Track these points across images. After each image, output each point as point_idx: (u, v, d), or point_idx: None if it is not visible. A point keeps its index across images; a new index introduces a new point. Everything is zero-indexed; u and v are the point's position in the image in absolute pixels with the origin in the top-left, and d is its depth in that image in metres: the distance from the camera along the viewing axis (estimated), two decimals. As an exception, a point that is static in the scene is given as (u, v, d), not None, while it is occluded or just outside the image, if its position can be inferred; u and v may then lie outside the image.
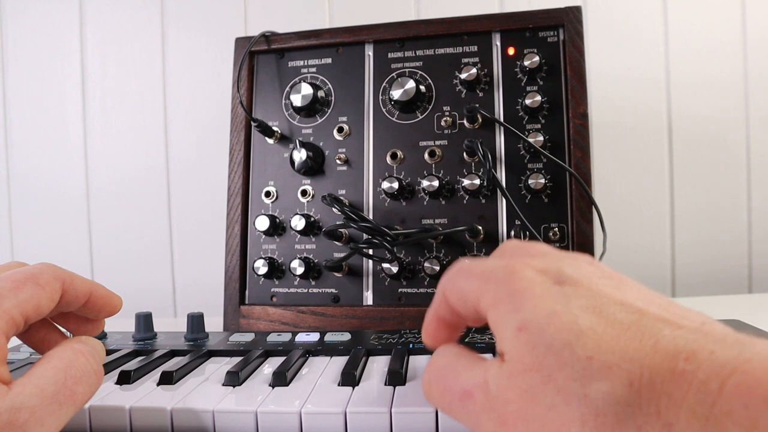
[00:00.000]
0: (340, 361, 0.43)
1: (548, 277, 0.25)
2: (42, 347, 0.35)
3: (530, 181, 0.56)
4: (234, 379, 0.39)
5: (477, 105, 0.60)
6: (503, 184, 0.58)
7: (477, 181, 0.57)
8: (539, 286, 0.25)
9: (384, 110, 0.62)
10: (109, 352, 0.47)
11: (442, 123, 0.60)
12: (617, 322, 0.22)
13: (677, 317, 0.23)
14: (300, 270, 0.59)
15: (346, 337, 0.49)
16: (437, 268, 0.57)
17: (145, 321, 0.52)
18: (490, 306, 0.26)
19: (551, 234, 0.56)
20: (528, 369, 0.23)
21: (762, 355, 0.19)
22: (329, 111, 0.63)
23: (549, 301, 0.24)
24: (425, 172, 0.60)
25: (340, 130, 0.62)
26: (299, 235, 0.62)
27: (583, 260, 0.27)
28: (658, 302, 0.24)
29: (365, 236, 0.57)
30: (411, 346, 0.45)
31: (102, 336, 0.52)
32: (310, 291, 0.61)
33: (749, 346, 0.20)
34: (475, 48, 0.61)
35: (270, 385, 0.38)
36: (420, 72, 0.62)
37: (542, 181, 0.56)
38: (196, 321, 0.51)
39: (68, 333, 0.36)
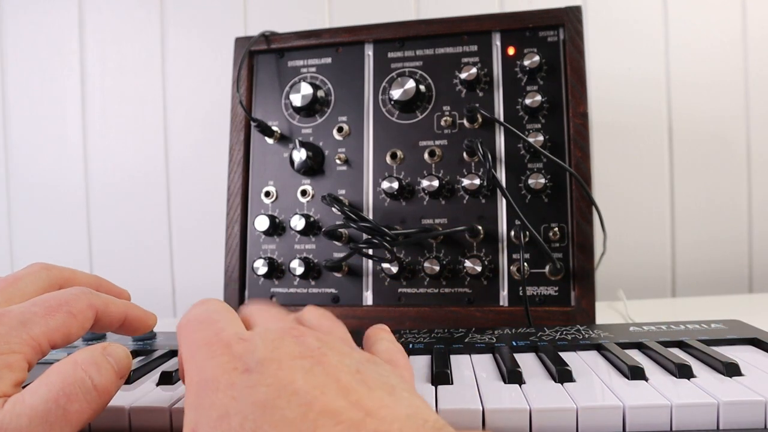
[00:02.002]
0: (339, 362, 0.43)
1: (240, 363, 0.24)
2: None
3: (530, 181, 0.56)
4: (233, 379, 0.38)
5: (477, 105, 0.59)
6: (503, 184, 0.58)
7: (477, 181, 0.57)
8: (227, 376, 0.23)
9: (384, 110, 0.62)
10: (108, 352, 0.47)
11: (442, 123, 0.60)
12: (282, 420, 0.21)
13: (348, 405, 0.21)
14: (300, 270, 0.59)
15: (346, 337, 0.48)
16: (437, 268, 0.57)
17: (144, 321, 0.51)
18: (186, 387, 0.25)
19: (551, 234, 0.56)
20: None
21: None
22: (329, 111, 0.63)
23: (227, 398, 0.22)
24: (425, 172, 0.60)
25: (340, 129, 0.62)
26: (299, 235, 0.62)
27: (294, 332, 0.26)
28: (347, 383, 0.23)
29: (365, 236, 0.57)
30: (410, 346, 0.45)
31: (103, 335, 0.52)
32: (309, 291, 0.61)
33: None
34: (475, 48, 0.61)
35: (269, 386, 0.38)
36: (420, 72, 0.62)
37: (542, 181, 0.56)
38: (195, 321, 0.50)
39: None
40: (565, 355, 0.40)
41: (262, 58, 0.66)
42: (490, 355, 0.43)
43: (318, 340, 0.26)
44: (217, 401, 0.22)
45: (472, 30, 0.61)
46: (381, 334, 0.33)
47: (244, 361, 0.24)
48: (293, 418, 0.21)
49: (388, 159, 0.61)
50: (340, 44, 0.64)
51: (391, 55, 0.63)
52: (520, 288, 0.55)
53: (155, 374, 0.41)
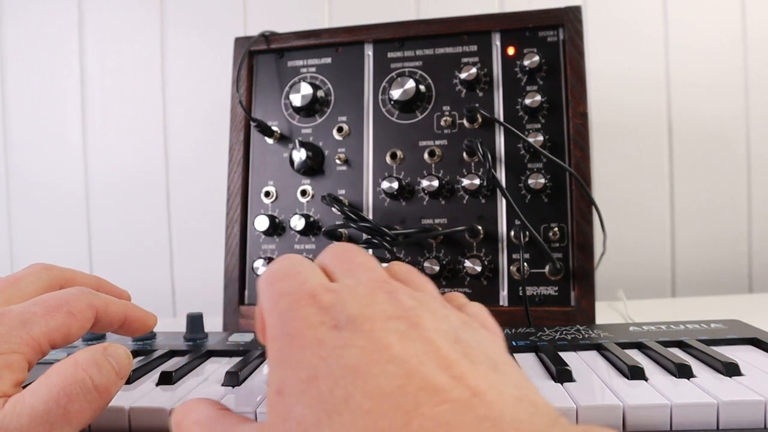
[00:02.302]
0: (339, 361, 0.43)
1: (329, 318, 0.21)
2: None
3: (530, 181, 0.56)
4: (233, 379, 0.38)
5: (477, 105, 0.59)
6: (503, 184, 0.58)
7: (477, 181, 0.57)
8: (313, 331, 0.21)
9: (384, 110, 0.62)
10: (108, 352, 0.47)
11: (442, 123, 0.60)
12: (377, 391, 0.18)
13: (453, 382, 0.19)
14: (299, 270, 0.59)
15: (346, 337, 0.48)
16: (437, 268, 0.57)
17: (144, 321, 0.51)
18: (267, 341, 0.23)
19: (551, 234, 0.56)
20: None
21: None
22: (329, 111, 0.63)
23: (315, 357, 0.20)
24: (425, 172, 0.60)
25: (340, 129, 0.62)
26: (299, 235, 0.62)
27: (386, 287, 0.24)
28: (447, 353, 0.20)
29: (365, 236, 0.57)
30: (411, 346, 0.45)
31: (103, 335, 0.52)
32: (309, 291, 0.61)
33: None
34: (474, 48, 0.61)
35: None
36: (420, 72, 0.62)
37: (542, 181, 0.56)
38: (195, 321, 0.51)
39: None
40: (565, 355, 0.40)
41: (261, 58, 0.66)
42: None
43: (412, 298, 0.23)
44: (304, 360, 0.20)
45: (472, 30, 0.61)
46: (461, 297, 0.30)
47: (333, 316, 0.21)
48: (390, 391, 0.18)
49: (388, 159, 0.61)
50: (339, 44, 0.64)
51: (390, 55, 0.63)
52: (520, 288, 0.55)
53: (155, 374, 0.41)
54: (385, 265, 0.28)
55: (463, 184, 0.58)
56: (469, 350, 0.21)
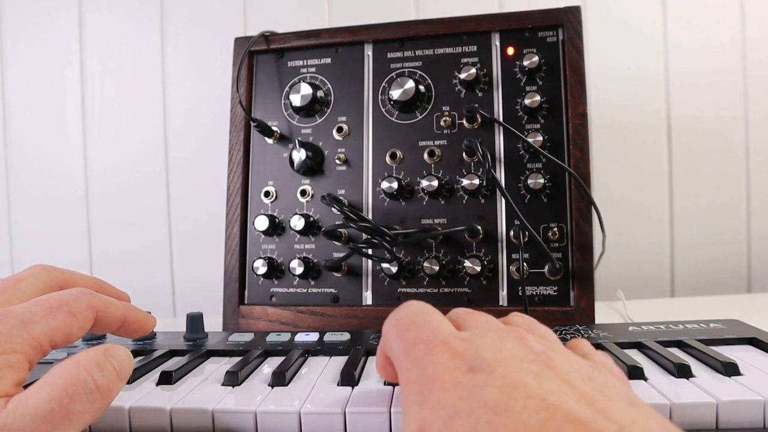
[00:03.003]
0: (339, 361, 0.43)
1: (463, 362, 0.23)
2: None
3: (529, 181, 0.56)
4: (233, 378, 0.39)
5: (476, 105, 0.60)
6: (502, 184, 0.58)
7: (476, 181, 0.57)
8: (450, 374, 0.22)
9: (383, 110, 0.62)
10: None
11: (442, 123, 0.60)
12: (521, 425, 0.19)
13: (597, 415, 0.19)
14: (299, 270, 0.59)
15: (346, 337, 0.49)
16: (436, 267, 0.57)
17: (144, 321, 0.51)
18: (403, 384, 0.24)
19: (550, 234, 0.56)
20: None
21: None
22: (328, 111, 0.63)
23: (454, 397, 0.21)
24: (424, 172, 0.60)
25: (340, 130, 0.62)
26: (298, 235, 0.62)
27: (512, 335, 0.25)
28: (583, 390, 0.21)
29: (364, 236, 0.57)
30: (410, 346, 0.45)
31: (103, 336, 0.52)
32: (309, 291, 0.61)
33: None
34: (474, 48, 0.61)
35: (269, 385, 0.38)
36: (419, 72, 0.62)
37: (541, 181, 0.56)
38: (195, 321, 0.51)
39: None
40: (565, 355, 0.40)
41: (261, 58, 0.66)
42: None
43: (540, 343, 0.25)
44: (444, 400, 0.21)
45: (472, 30, 0.61)
46: (587, 345, 0.31)
47: (467, 360, 0.23)
48: (533, 425, 0.19)
49: (387, 159, 0.61)
50: (339, 44, 0.64)
51: (390, 55, 0.63)
52: (520, 288, 0.55)
53: (155, 374, 0.41)
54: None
55: (462, 184, 0.58)
56: (604, 388, 0.22)
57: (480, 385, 0.21)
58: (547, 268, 0.56)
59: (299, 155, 0.60)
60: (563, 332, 0.46)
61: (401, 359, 0.25)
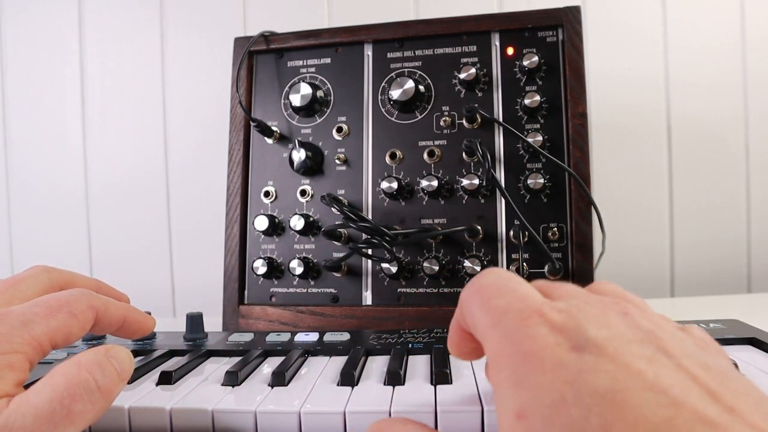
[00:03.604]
0: (339, 361, 0.43)
1: (565, 339, 0.20)
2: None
3: (529, 181, 0.56)
4: (233, 378, 0.39)
5: (476, 105, 0.60)
6: (502, 184, 0.58)
7: (476, 181, 0.57)
8: (550, 351, 0.20)
9: (383, 110, 0.62)
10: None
11: (441, 123, 0.60)
12: (641, 421, 0.17)
13: (727, 416, 0.17)
14: (299, 270, 0.59)
15: (345, 337, 0.49)
16: (436, 267, 0.57)
17: (144, 321, 0.51)
18: (492, 360, 0.22)
19: (550, 234, 0.56)
20: None
21: None
22: (328, 111, 0.63)
23: (558, 381, 0.19)
24: (424, 172, 0.60)
25: (339, 130, 0.62)
26: (298, 235, 0.62)
27: (615, 309, 0.22)
28: (705, 381, 0.19)
29: (364, 236, 0.57)
30: (410, 346, 0.45)
31: (103, 336, 0.52)
32: (309, 291, 0.61)
33: None
34: (474, 48, 0.61)
35: (269, 385, 0.38)
36: (419, 72, 0.62)
37: (541, 181, 0.56)
38: (195, 321, 0.51)
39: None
40: (564, 355, 0.40)
41: (261, 58, 0.66)
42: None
43: (646, 319, 0.22)
44: (545, 383, 0.19)
45: (471, 30, 0.61)
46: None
47: (569, 336, 0.20)
48: (657, 423, 0.17)
49: (387, 159, 0.61)
50: (339, 44, 0.64)
51: (390, 55, 0.63)
52: (520, 288, 0.55)
53: (155, 374, 0.41)
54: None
55: (462, 184, 0.58)
56: (723, 379, 0.20)
57: (588, 368, 0.19)
58: (547, 268, 0.56)
59: (299, 155, 0.60)
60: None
61: (487, 330, 0.23)
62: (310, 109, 0.63)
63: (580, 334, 0.20)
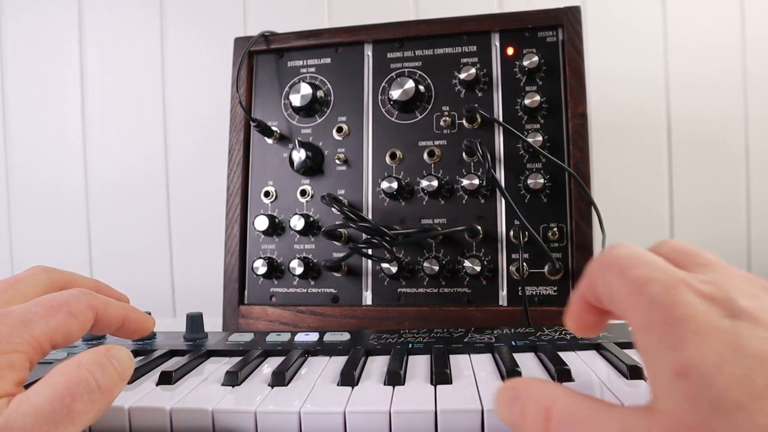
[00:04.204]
0: (339, 361, 0.43)
1: (716, 306, 0.21)
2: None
3: (529, 181, 0.56)
4: (233, 378, 0.39)
5: (476, 105, 0.60)
6: (502, 184, 0.58)
7: (476, 181, 0.57)
8: (704, 317, 0.21)
9: (383, 110, 0.62)
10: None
11: (442, 123, 0.60)
12: None
13: None
14: (299, 270, 0.59)
15: (346, 337, 0.49)
16: (436, 268, 0.57)
17: (144, 321, 0.51)
18: (640, 327, 0.22)
19: (550, 234, 0.56)
20: (688, 429, 0.19)
21: None
22: (328, 111, 0.63)
23: (717, 343, 0.20)
24: (424, 172, 0.60)
25: (340, 130, 0.62)
26: (298, 235, 0.62)
27: (757, 283, 0.23)
28: None
29: (364, 236, 0.57)
30: (410, 345, 0.45)
31: (103, 336, 0.52)
32: (309, 291, 0.61)
33: None
34: (474, 48, 0.61)
35: (269, 385, 0.38)
36: (419, 72, 0.62)
37: (541, 181, 0.56)
38: (195, 321, 0.51)
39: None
40: (564, 355, 0.40)
41: (261, 58, 0.66)
42: (490, 354, 0.43)
43: None
44: (705, 344, 0.20)
45: (472, 30, 0.61)
46: None
47: (722, 305, 0.21)
48: None
49: (387, 159, 0.61)
50: (339, 44, 0.64)
51: (390, 55, 0.63)
52: (519, 288, 0.55)
53: (155, 374, 0.41)
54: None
55: (462, 184, 0.58)
56: None
57: (745, 334, 0.20)
58: (546, 268, 0.56)
59: (299, 155, 0.60)
60: (563, 332, 0.46)
61: (630, 299, 0.23)
62: (310, 109, 0.63)
63: (732, 302, 0.21)
